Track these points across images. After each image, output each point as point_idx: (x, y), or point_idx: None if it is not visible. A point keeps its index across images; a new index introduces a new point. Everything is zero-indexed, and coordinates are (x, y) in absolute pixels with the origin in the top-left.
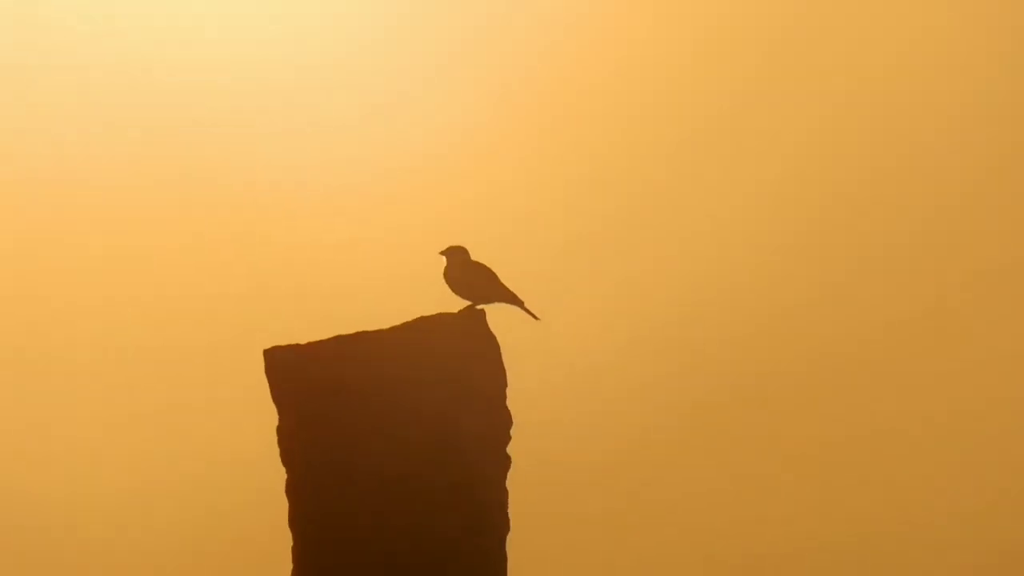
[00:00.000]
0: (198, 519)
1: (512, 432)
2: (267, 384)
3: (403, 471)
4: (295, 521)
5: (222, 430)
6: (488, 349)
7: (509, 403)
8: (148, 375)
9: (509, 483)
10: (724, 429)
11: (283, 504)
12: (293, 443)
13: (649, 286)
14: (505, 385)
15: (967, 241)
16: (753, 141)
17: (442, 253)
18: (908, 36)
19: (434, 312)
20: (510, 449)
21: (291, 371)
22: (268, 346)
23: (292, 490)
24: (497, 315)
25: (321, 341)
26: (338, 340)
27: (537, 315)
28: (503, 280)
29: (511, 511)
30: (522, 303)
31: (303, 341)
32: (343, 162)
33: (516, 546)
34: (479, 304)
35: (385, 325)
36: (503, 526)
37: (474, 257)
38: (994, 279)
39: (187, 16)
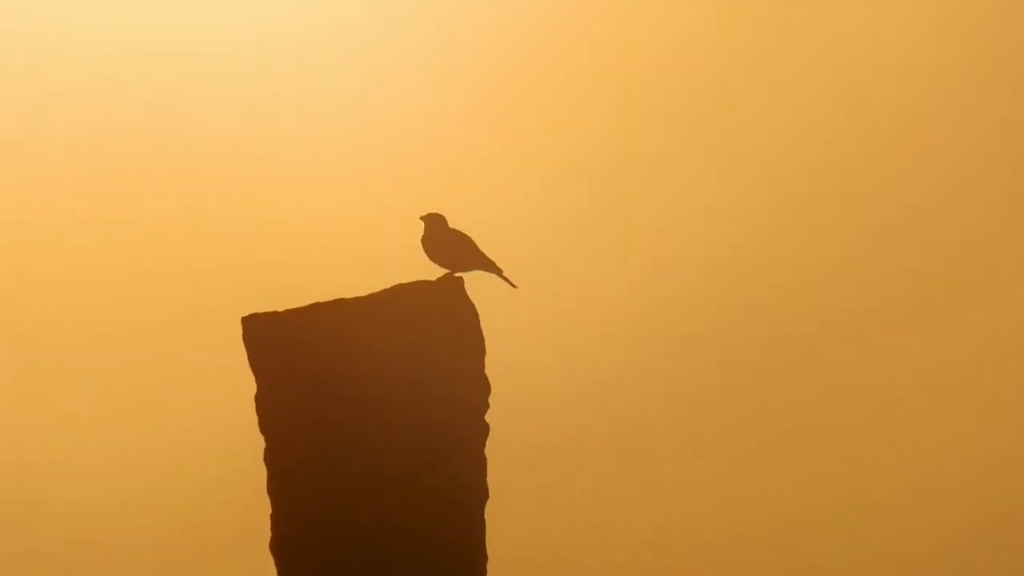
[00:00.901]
0: (178, 487)
1: (490, 400)
2: (245, 352)
3: (380, 439)
4: (273, 488)
5: (200, 398)
6: (466, 317)
7: (488, 371)
8: (127, 345)
9: (488, 452)
10: (709, 409)
11: (261, 471)
12: (271, 410)
13: (635, 266)
14: (483, 353)
15: (955, 227)
16: (743, 123)
17: (421, 219)
18: (895, 24)
19: (412, 280)
20: (488, 418)
21: (269, 339)
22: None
23: (270, 457)
24: (475, 283)
25: (299, 308)
26: (316, 307)
27: (515, 283)
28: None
29: (490, 482)
30: (500, 271)
31: (281, 309)
32: (326, 133)
33: (494, 518)
34: (457, 272)
35: (363, 292)
36: (482, 494)
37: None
38: (984, 263)
39: None
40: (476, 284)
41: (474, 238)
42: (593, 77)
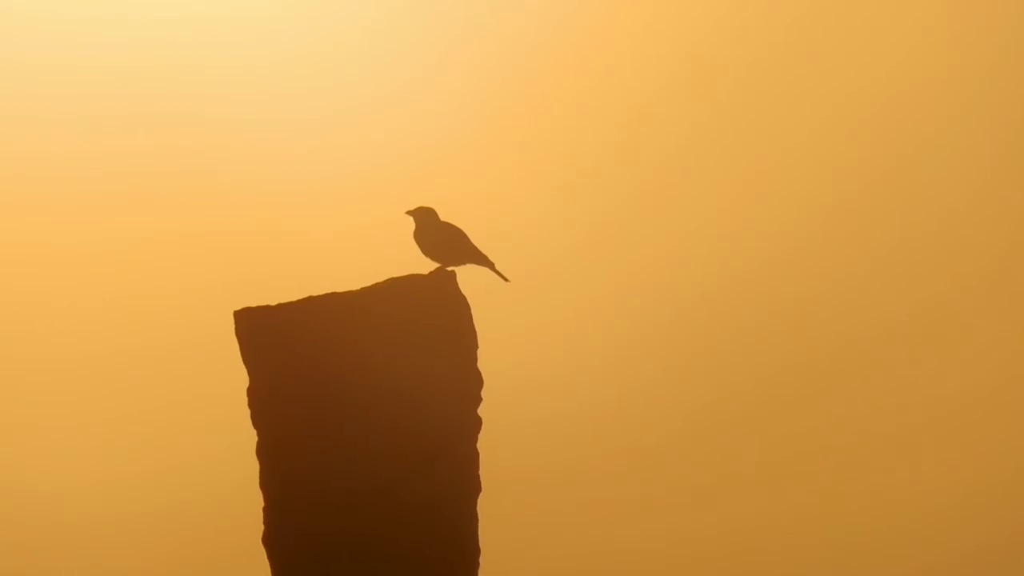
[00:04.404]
0: (169, 480)
1: (483, 394)
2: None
3: (373, 433)
4: (266, 482)
5: (193, 394)
6: (459, 310)
7: (481, 365)
8: (124, 343)
9: (480, 446)
10: (704, 425)
11: (254, 465)
12: (263, 404)
13: (640, 275)
14: (476, 347)
15: (967, 240)
16: (751, 140)
17: (409, 213)
18: (906, 33)
19: (404, 274)
20: (481, 412)
21: (261, 333)
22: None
23: (263, 451)
24: (467, 277)
25: (291, 303)
26: (309, 301)
27: (507, 277)
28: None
29: (482, 473)
30: (492, 264)
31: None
32: (329, 140)
33: (487, 511)
34: (449, 266)
35: (355, 287)
36: (474, 487)
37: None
38: (995, 279)
39: (176, 7)
40: (468, 278)
41: (481, 245)
42: (607, 92)
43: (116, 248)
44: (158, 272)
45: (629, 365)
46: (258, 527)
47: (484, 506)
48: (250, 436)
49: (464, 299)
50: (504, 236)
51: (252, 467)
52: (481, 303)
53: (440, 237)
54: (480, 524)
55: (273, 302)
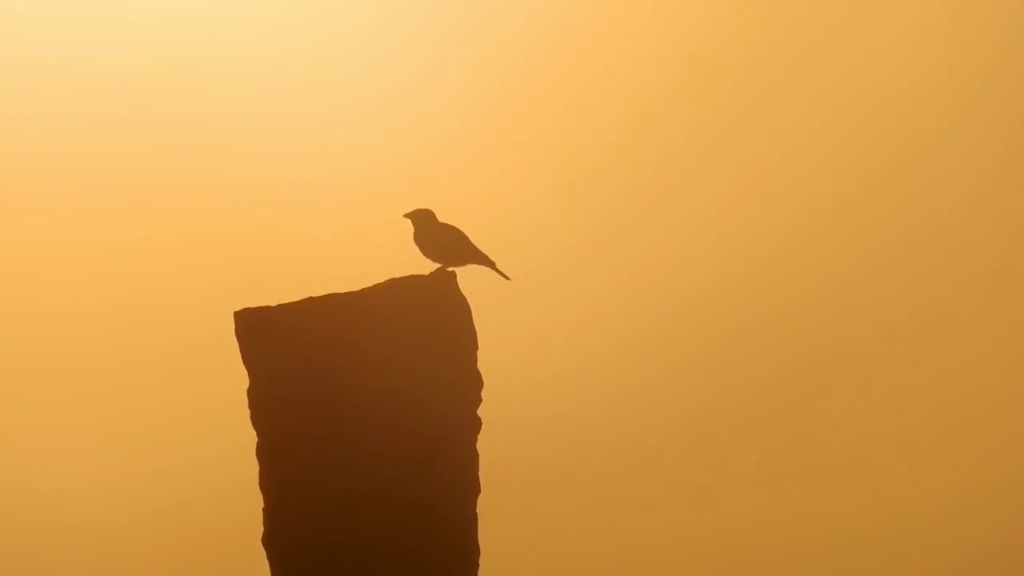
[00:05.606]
0: (168, 480)
1: (483, 395)
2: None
3: (372, 434)
4: (266, 483)
5: (193, 394)
6: (459, 311)
7: (481, 366)
8: (124, 343)
9: (480, 447)
10: (704, 425)
11: (254, 466)
12: (263, 405)
13: (642, 276)
14: (476, 347)
15: (967, 240)
16: (751, 140)
17: (407, 216)
18: (906, 33)
19: (405, 275)
20: (480, 412)
21: (261, 333)
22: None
23: (263, 452)
24: (468, 277)
25: (292, 303)
26: (309, 302)
27: (508, 276)
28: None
29: (482, 473)
30: (493, 263)
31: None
32: (331, 140)
33: (486, 512)
34: (450, 266)
35: (356, 287)
36: (474, 488)
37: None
38: (995, 279)
39: (176, 7)
40: (468, 279)
41: (481, 245)
42: (607, 92)
43: (116, 248)
44: (158, 272)
45: (629, 365)
46: (258, 528)
47: (483, 507)
48: (250, 437)
49: (464, 300)
50: (504, 236)
51: (252, 468)
52: (481, 304)
53: (441, 239)
54: (479, 525)
55: (273, 302)
